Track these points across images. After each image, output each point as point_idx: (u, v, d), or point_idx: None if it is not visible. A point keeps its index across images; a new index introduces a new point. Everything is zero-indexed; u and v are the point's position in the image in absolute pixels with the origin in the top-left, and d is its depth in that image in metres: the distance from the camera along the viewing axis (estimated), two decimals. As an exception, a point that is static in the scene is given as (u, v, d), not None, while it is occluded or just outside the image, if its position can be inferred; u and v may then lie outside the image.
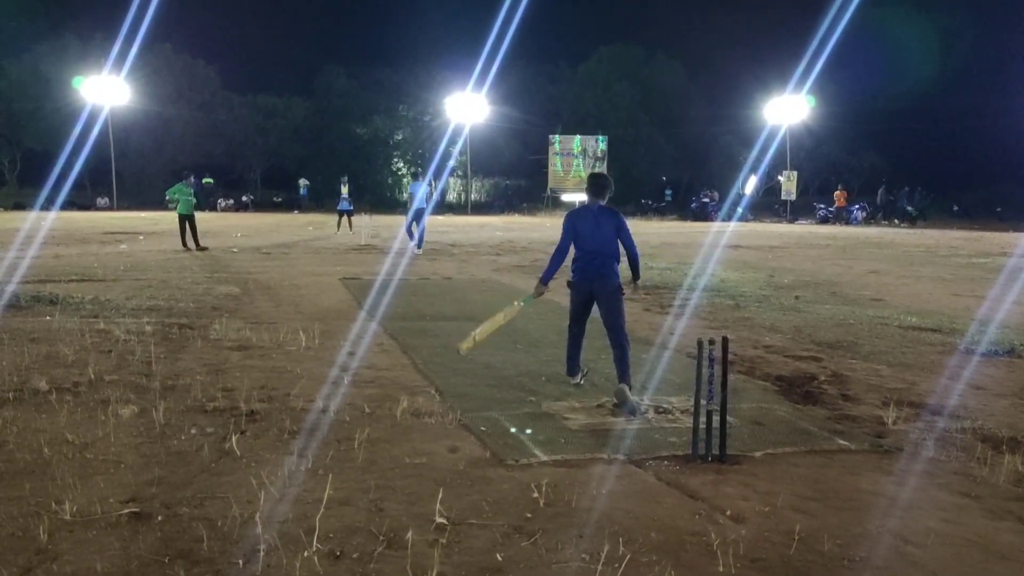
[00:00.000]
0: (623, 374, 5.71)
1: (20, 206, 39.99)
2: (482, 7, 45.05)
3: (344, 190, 25.37)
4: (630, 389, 5.61)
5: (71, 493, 3.86)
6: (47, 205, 34.10)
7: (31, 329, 7.91)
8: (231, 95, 50.71)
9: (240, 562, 3.23)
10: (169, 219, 22.21)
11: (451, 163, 48.89)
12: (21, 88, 45.50)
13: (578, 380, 6.12)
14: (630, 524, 3.66)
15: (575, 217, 6.06)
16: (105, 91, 41.81)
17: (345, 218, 25.05)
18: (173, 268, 14.05)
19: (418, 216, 18.72)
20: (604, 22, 71.93)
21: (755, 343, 8.10)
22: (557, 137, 48.50)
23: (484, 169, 51.99)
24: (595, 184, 6.09)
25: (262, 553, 3.29)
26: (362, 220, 23.90)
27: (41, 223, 24.21)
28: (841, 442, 4.94)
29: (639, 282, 6.29)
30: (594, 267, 5.88)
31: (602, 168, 47.89)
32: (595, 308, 6.06)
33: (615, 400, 5.59)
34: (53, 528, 3.48)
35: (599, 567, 3.22)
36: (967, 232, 31.14)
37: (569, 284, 6.08)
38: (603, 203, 6.02)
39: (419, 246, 18.33)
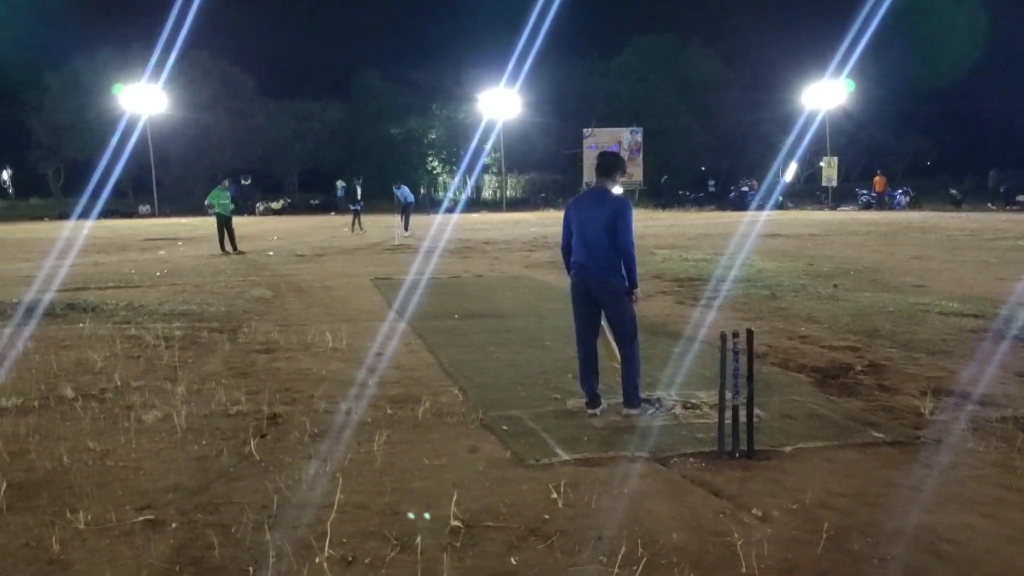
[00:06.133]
0: (629, 395, 5.14)
1: (65, 216, 40.71)
2: (514, 2, 44.81)
3: (358, 190, 26.48)
4: (638, 409, 5.14)
5: (87, 501, 3.84)
6: (84, 214, 34.60)
7: (63, 337, 7.98)
8: (267, 100, 51.25)
9: (250, 569, 3.18)
10: (209, 224, 22.42)
11: (483, 159, 48.90)
12: (62, 100, 46.43)
13: (596, 413, 5.19)
14: (651, 524, 3.54)
15: (573, 204, 5.28)
16: (144, 100, 42.41)
17: (358, 217, 25.76)
18: (208, 272, 14.15)
19: (405, 209, 24.70)
20: (637, 13, 71.37)
21: (790, 334, 7.91)
22: (592, 130, 48.22)
23: (519, 165, 51.88)
24: (600, 162, 5.28)
25: (272, 560, 3.24)
26: (395, 220, 24.01)
27: (84, 232, 24.63)
28: (875, 434, 4.77)
29: (638, 291, 5.17)
30: (587, 265, 5.12)
31: (639, 160, 47.58)
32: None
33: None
34: (66, 537, 3.46)
35: (615, 570, 3.11)
36: (1014, 215, 30.34)
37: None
38: (611, 187, 5.20)
39: (406, 229, 23.99)
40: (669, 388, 5.77)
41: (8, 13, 43.61)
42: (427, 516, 3.64)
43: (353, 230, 25.33)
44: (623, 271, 5.10)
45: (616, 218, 5.00)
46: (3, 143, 48.92)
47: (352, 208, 26.45)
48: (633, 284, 5.13)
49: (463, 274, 13.54)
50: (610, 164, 5.26)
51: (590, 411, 5.23)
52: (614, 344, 5.26)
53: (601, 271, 5.09)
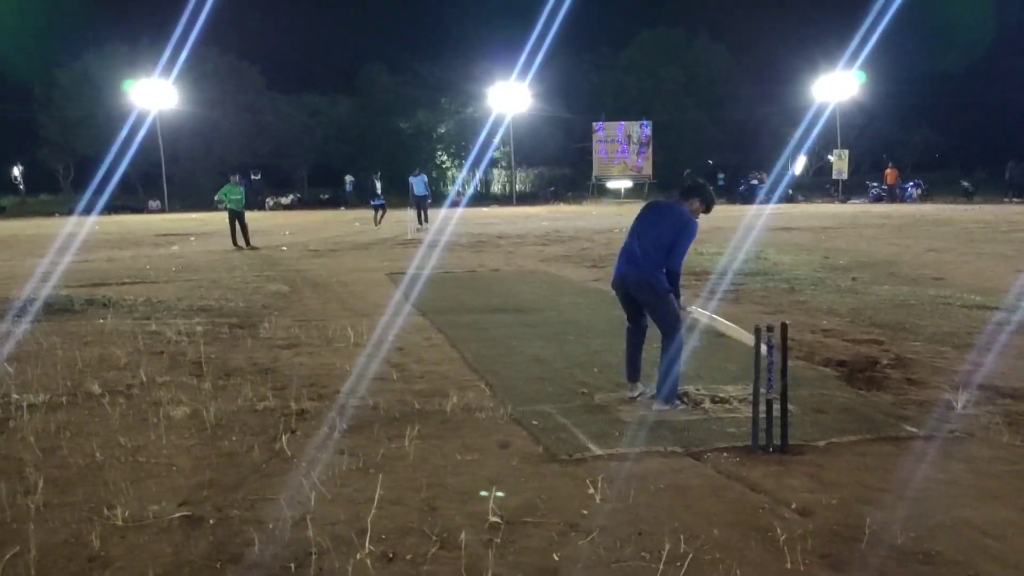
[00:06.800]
0: (660, 386, 5.15)
1: (75, 211, 40.82)
2: (522, -3, 44.64)
3: (378, 185, 26.14)
4: (669, 405, 5.10)
5: (123, 497, 3.83)
6: (94, 210, 34.60)
7: (85, 332, 7.99)
8: (276, 95, 51.22)
9: (292, 566, 3.17)
10: (219, 220, 22.50)
11: (492, 153, 48.84)
12: (72, 96, 46.55)
13: (633, 394, 5.35)
14: (691, 520, 3.52)
15: (647, 207, 5.46)
16: (153, 96, 42.52)
17: (381, 212, 25.56)
18: (223, 268, 14.17)
19: (421, 202, 24.81)
20: (645, 7, 70.98)
21: (812, 327, 7.87)
22: (601, 124, 48.15)
23: (528, 159, 51.79)
24: (685, 185, 5.51)
25: (314, 556, 3.23)
26: (408, 215, 23.95)
27: (95, 228, 24.67)
28: (909, 428, 4.74)
29: (681, 301, 5.28)
30: (628, 272, 5.22)
31: (648, 154, 47.50)
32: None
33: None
34: (105, 533, 3.45)
35: (661, 566, 3.09)
36: (1027, 206, 30.16)
37: None
38: (685, 205, 5.29)
39: (426, 220, 24.50)
40: (695, 382, 5.73)
41: (18, 9, 43.71)
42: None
43: (377, 223, 25.06)
44: (663, 273, 5.18)
45: (677, 235, 5.12)
46: (14, 139, 49.06)
47: (373, 204, 26.01)
48: (677, 296, 5.25)
49: (479, 268, 13.53)
50: (686, 188, 5.45)
51: (628, 393, 5.36)
52: (741, 331, 5.17)
53: (643, 272, 5.14)
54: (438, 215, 28.58)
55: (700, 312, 5.45)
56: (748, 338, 5.05)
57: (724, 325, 5.30)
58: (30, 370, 6.34)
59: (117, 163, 34.84)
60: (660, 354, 5.19)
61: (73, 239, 19.89)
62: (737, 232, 20.09)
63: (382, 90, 52.48)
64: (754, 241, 17.39)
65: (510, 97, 45.12)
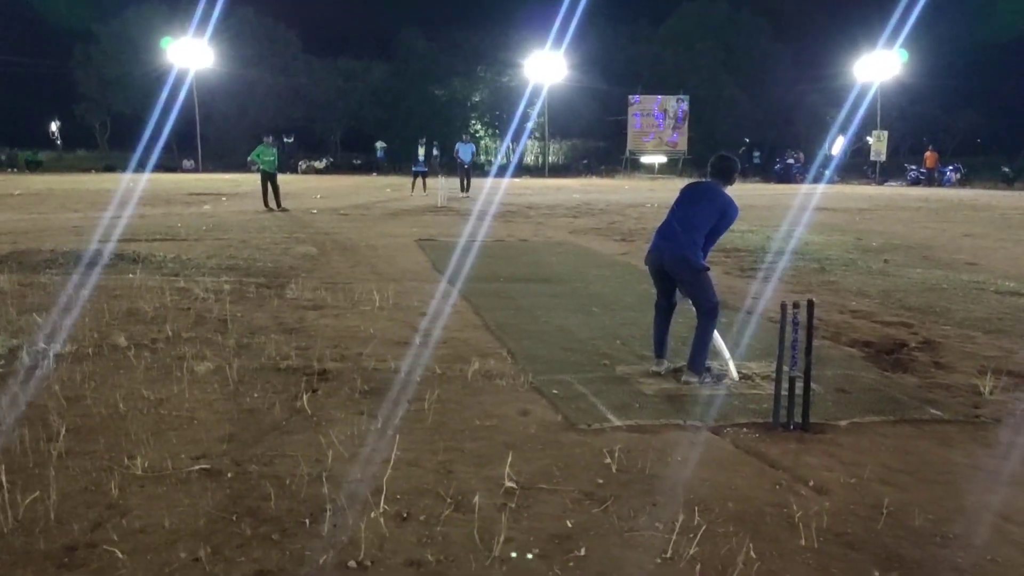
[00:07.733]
0: (692, 359, 5.13)
1: (110, 168, 41.31)
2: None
3: (420, 152, 25.69)
4: (699, 376, 5.11)
5: (144, 448, 3.88)
6: (131, 167, 34.88)
7: (113, 286, 8.08)
8: (311, 58, 51.12)
9: (306, 522, 3.19)
10: (251, 181, 22.62)
11: (529, 125, 48.49)
12: (111, 53, 46.80)
13: (659, 369, 5.35)
14: (706, 493, 3.50)
15: (688, 187, 5.46)
16: (190, 55, 42.63)
17: (420, 179, 25.21)
18: (253, 228, 14.25)
19: (464, 169, 25.64)
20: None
21: (841, 308, 7.77)
22: (637, 97, 47.68)
23: (562, 131, 51.39)
24: (711, 166, 5.44)
25: (328, 513, 3.25)
26: (438, 182, 23.87)
27: (129, 185, 24.91)
28: (933, 412, 4.67)
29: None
30: (665, 242, 5.21)
31: (683, 129, 47.02)
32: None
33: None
34: (124, 483, 3.50)
35: (673, 537, 3.08)
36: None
37: None
38: (722, 184, 5.32)
39: (468, 188, 25.09)
40: (719, 358, 5.68)
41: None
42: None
43: (420, 190, 24.88)
44: (700, 251, 5.18)
45: (721, 217, 5.15)
46: (52, 94, 49.53)
47: (415, 170, 25.79)
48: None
49: (507, 238, 13.50)
50: (718, 167, 5.41)
51: (653, 367, 5.37)
52: (727, 355, 5.35)
53: (680, 248, 5.12)
54: (482, 185, 28.32)
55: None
56: (727, 358, 5.31)
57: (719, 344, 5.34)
58: (58, 321, 6.43)
59: (159, 122, 35.04)
60: (695, 329, 5.17)
61: (107, 195, 20.09)
62: (770, 211, 19.88)
63: (418, 56, 52.18)
64: (786, 220, 17.19)
65: (546, 67, 44.70)
